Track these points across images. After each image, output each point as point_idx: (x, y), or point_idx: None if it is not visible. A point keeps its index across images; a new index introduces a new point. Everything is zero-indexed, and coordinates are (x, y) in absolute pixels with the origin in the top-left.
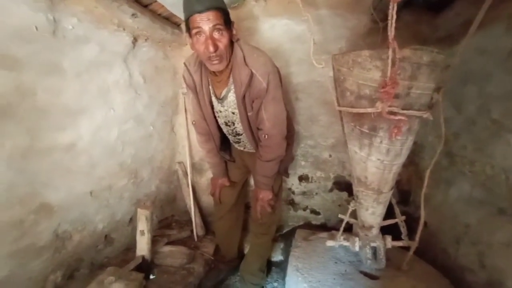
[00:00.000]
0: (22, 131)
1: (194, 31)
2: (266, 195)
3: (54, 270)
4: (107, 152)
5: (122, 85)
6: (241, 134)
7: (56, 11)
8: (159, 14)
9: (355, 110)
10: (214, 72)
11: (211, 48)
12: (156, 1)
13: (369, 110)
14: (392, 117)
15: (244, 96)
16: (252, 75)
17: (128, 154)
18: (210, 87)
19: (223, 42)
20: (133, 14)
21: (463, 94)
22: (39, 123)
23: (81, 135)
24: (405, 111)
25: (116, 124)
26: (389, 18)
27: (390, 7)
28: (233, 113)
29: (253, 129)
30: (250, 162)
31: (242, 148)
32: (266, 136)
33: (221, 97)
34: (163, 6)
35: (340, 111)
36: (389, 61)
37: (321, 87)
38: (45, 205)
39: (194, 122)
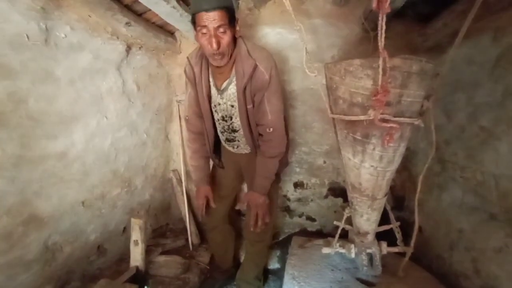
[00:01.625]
0: (14, 139)
1: (198, 27)
2: (262, 200)
3: (44, 284)
4: (100, 160)
5: (116, 93)
6: (237, 131)
7: (48, 20)
8: (153, 23)
9: (347, 118)
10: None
11: (214, 46)
12: (150, 10)
13: (362, 117)
14: (384, 124)
15: (245, 88)
16: (255, 67)
17: (121, 162)
18: (211, 78)
19: (226, 39)
20: (127, 23)
21: (453, 102)
22: (31, 131)
23: (74, 143)
24: (396, 119)
25: (110, 132)
26: (379, 28)
27: (380, 18)
28: (232, 106)
29: (251, 124)
30: (244, 163)
31: (234, 149)
32: (271, 129)
33: (222, 88)
34: (157, 14)
35: (333, 119)
36: (380, 70)
37: (314, 94)
38: (34, 216)
39: (187, 118)
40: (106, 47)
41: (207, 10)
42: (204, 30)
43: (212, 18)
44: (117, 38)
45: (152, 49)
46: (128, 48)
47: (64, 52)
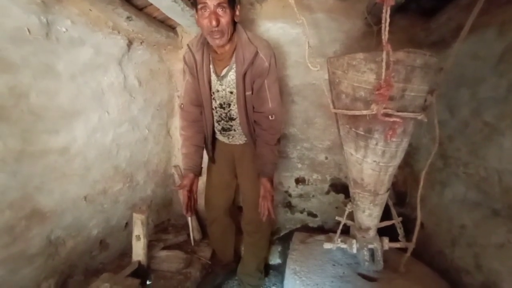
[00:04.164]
0: (15, 133)
1: (199, 6)
2: (270, 185)
3: (46, 278)
4: (102, 156)
5: (117, 88)
6: (235, 119)
7: (49, 14)
8: (154, 17)
9: (350, 112)
10: (215, 51)
11: (214, 23)
12: (151, 4)
13: (364, 112)
14: (387, 119)
15: (245, 75)
16: (256, 53)
17: (123, 157)
18: (211, 65)
19: (225, 18)
20: (128, 17)
21: (457, 97)
22: (33, 126)
23: (75, 138)
24: (399, 113)
25: (111, 127)
26: (383, 21)
27: (384, 10)
28: (231, 92)
29: (248, 111)
30: (238, 154)
31: (229, 140)
32: (273, 116)
33: (222, 75)
34: (158, 9)
35: (335, 114)
36: (383, 64)
37: (316, 89)
38: (37, 210)
39: (182, 106)
40: (107, 42)
41: None
42: (205, 8)
43: None
44: (118, 32)
45: (153, 44)
46: (129, 43)
47: (65, 46)
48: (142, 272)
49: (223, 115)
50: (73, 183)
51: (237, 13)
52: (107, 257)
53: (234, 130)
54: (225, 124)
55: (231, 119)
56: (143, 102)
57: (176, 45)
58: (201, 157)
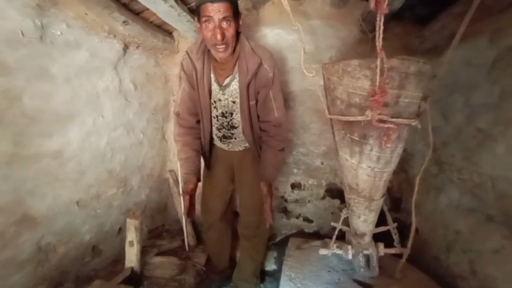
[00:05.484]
0: (7, 136)
1: (203, 18)
2: (272, 188)
3: (36, 285)
4: (96, 160)
5: (112, 92)
6: (237, 127)
7: (44, 17)
8: (151, 22)
9: (345, 118)
10: (217, 59)
11: (219, 37)
12: (148, 9)
13: (359, 118)
14: (381, 125)
15: (248, 85)
16: (260, 64)
17: (117, 161)
18: (212, 74)
19: (230, 31)
20: (124, 21)
21: (451, 104)
22: (26, 129)
23: (69, 142)
24: (394, 119)
25: (106, 131)
26: (377, 29)
27: (378, 18)
28: (234, 102)
29: (252, 120)
30: (236, 161)
31: (229, 147)
32: (279, 124)
33: (224, 84)
34: (155, 14)
35: (331, 119)
36: (378, 70)
37: (312, 95)
38: (28, 216)
39: (178, 113)
40: (103, 46)
41: (213, 2)
42: (209, 21)
43: (217, 9)
44: (114, 36)
45: (149, 48)
46: (125, 47)
47: (60, 49)
48: (135, 279)
49: (225, 123)
50: (66, 188)
51: (240, 23)
52: (100, 263)
53: (235, 138)
54: (226, 132)
55: (233, 127)
56: (138, 106)
57: (172, 50)
58: (200, 162)
